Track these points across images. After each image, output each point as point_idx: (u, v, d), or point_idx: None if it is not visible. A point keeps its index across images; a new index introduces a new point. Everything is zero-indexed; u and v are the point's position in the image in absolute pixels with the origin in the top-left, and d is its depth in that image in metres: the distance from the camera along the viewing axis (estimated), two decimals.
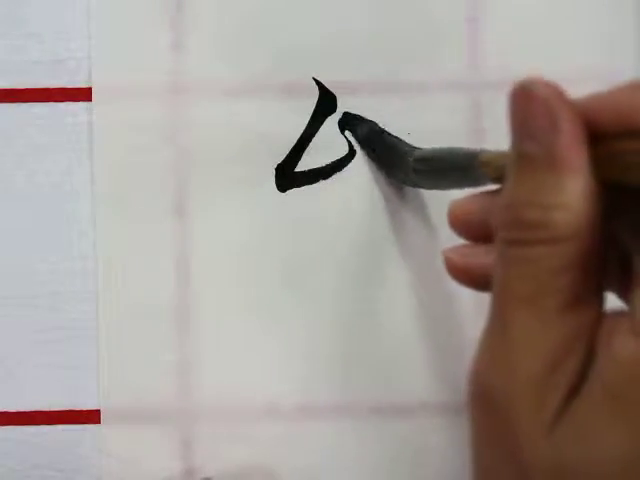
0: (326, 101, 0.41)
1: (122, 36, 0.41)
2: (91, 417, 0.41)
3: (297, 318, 0.41)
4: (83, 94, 0.41)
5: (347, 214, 0.41)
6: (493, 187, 0.31)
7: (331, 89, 0.42)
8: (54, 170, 0.41)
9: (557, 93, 0.26)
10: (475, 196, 0.31)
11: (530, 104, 0.26)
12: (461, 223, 0.31)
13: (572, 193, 0.26)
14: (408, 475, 0.41)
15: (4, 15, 0.41)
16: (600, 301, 0.27)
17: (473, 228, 0.31)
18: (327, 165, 0.42)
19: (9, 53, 0.41)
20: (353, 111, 0.41)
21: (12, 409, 0.41)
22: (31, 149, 0.41)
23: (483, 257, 0.30)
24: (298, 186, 0.42)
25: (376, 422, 0.41)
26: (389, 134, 0.41)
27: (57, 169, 0.41)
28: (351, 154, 0.42)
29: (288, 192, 0.41)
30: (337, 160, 0.42)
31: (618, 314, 0.27)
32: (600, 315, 0.27)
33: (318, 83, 0.41)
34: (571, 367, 0.26)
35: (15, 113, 0.41)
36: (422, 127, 0.41)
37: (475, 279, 0.30)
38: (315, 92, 0.42)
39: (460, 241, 0.32)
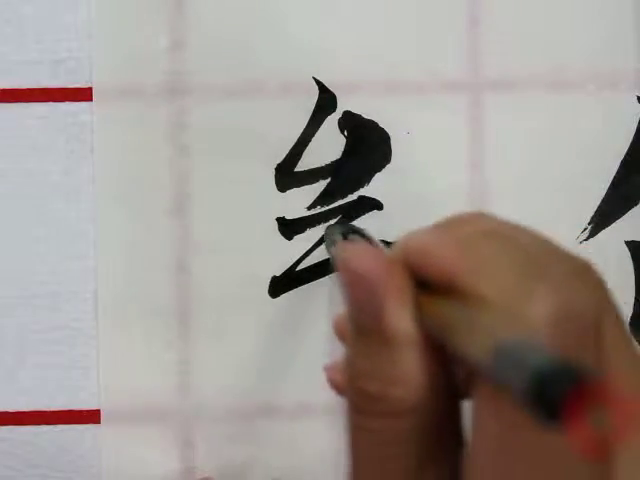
0: (326, 101, 0.41)
1: (122, 36, 0.41)
2: (91, 417, 0.41)
3: (297, 318, 0.41)
4: (83, 94, 0.41)
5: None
6: None
7: (331, 89, 0.42)
8: (54, 170, 0.41)
9: (378, 263, 0.25)
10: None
11: (352, 278, 0.25)
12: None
13: (406, 366, 0.24)
14: None
15: (4, 15, 0.41)
16: (454, 458, 0.26)
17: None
18: (327, 165, 0.42)
19: (9, 53, 0.41)
20: (353, 111, 0.41)
21: (12, 409, 0.41)
22: (31, 149, 0.41)
23: None
24: (298, 186, 0.42)
25: None
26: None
27: (57, 169, 0.41)
28: (350, 154, 0.42)
29: (288, 192, 0.41)
30: (336, 160, 0.42)
31: None
32: (455, 471, 0.25)
33: (318, 83, 0.41)
34: None
35: (15, 113, 0.41)
36: (422, 127, 0.42)
37: None
38: (315, 92, 0.42)
39: None
